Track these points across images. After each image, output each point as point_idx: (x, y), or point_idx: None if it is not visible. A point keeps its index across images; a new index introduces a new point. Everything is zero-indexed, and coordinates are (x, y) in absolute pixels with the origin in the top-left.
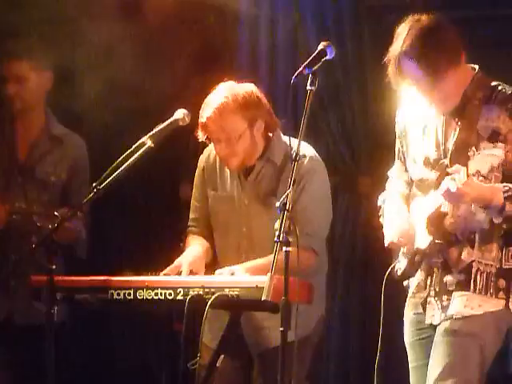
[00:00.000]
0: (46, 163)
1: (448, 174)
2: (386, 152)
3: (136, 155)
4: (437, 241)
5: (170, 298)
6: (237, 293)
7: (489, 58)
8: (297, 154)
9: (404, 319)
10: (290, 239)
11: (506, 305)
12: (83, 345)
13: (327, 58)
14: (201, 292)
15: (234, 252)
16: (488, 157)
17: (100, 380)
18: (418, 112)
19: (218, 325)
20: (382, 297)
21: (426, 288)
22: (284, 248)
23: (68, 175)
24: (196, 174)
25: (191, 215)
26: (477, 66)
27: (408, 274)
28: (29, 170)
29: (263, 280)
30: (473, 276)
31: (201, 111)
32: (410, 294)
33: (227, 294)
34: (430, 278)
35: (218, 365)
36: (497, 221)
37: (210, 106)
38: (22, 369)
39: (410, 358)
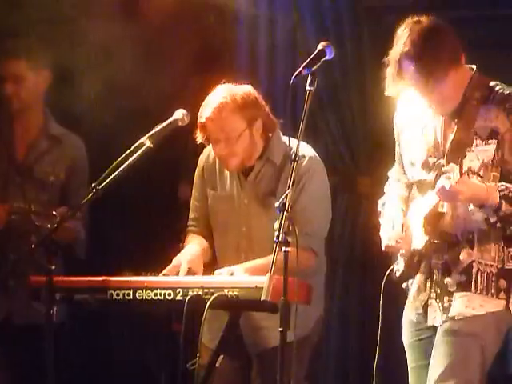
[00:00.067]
0: (44, 163)
1: (443, 173)
2: (385, 152)
3: (135, 155)
4: (433, 241)
5: (169, 298)
6: (236, 293)
7: (489, 58)
8: (296, 155)
9: (403, 320)
10: (290, 239)
11: (507, 305)
12: (82, 345)
13: (326, 58)
14: (200, 292)
15: (233, 252)
16: (480, 153)
17: (99, 380)
18: (416, 113)
19: (217, 325)
20: (381, 299)
21: (426, 290)
22: (283, 248)
23: (67, 175)
24: (196, 173)
25: (191, 215)
26: (474, 66)
27: (407, 275)
28: (27, 170)
29: (262, 280)
30: (473, 276)
31: (199, 112)
32: (410, 298)
33: (226, 295)
34: (430, 279)
35: (217, 365)
36: (492, 220)
37: (208, 106)
38: (21, 369)
39: (408, 359)
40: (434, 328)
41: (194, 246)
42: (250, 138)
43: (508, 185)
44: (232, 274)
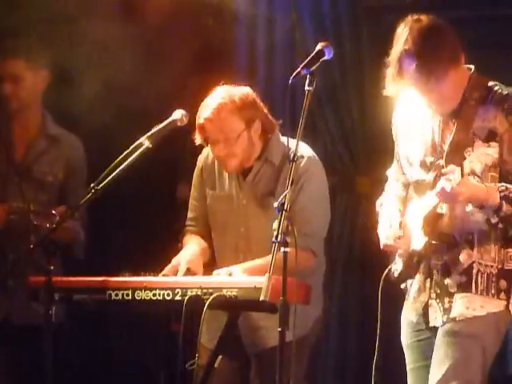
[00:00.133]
0: (42, 163)
1: (443, 174)
2: (384, 152)
3: (134, 156)
4: (432, 241)
5: (168, 298)
6: (235, 293)
7: (489, 59)
8: (295, 155)
9: (401, 321)
10: (288, 240)
11: (507, 306)
12: (81, 345)
13: (325, 58)
14: (199, 292)
15: (231, 252)
16: (482, 156)
17: (98, 380)
18: (414, 113)
19: (216, 325)
20: (379, 298)
21: (425, 291)
22: (282, 249)
23: (65, 175)
24: (195, 173)
25: (189, 214)
26: (472, 66)
27: (405, 275)
28: (26, 170)
29: (261, 280)
30: (474, 277)
31: (198, 113)
32: (410, 299)
33: (225, 295)
34: (429, 280)
35: (215, 365)
36: (493, 220)
37: (207, 107)
38: (20, 369)
39: (407, 360)
40: (434, 329)
41: (193, 247)
42: (248, 139)
43: (508, 185)
44: (231, 275)
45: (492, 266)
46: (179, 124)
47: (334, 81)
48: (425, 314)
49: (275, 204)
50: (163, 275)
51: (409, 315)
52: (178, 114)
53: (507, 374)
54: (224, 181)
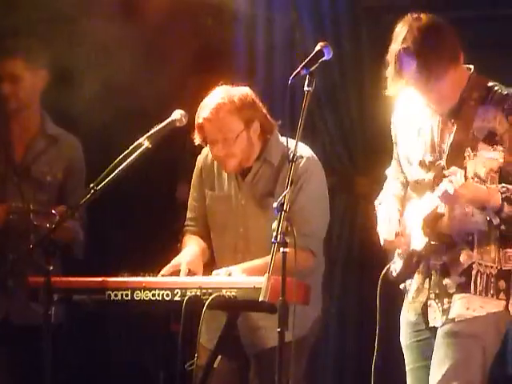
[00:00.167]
0: (41, 163)
1: (445, 176)
2: (383, 152)
3: (133, 156)
4: (432, 242)
5: (167, 298)
6: (234, 294)
7: (489, 59)
8: (294, 155)
9: (400, 321)
10: (288, 240)
11: (506, 306)
12: (80, 346)
13: (325, 58)
14: (198, 293)
15: (230, 252)
16: (487, 160)
17: (97, 381)
18: (413, 113)
19: (215, 325)
20: (378, 297)
21: (424, 291)
22: (281, 249)
23: (64, 175)
24: (194, 173)
25: (189, 214)
26: (472, 66)
27: (404, 275)
28: (25, 170)
29: (260, 281)
30: (473, 278)
31: (197, 113)
32: (409, 299)
33: (225, 295)
34: (428, 280)
35: (215, 366)
36: (495, 222)
37: (206, 107)
38: (19, 369)
39: (406, 360)
40: (433, 329)
41: (193, 247)
42: (247, 140)
43: (509, 186)
44: (230, 275)
45: (492, 267)
46: (178, 124)
47: (333, 81)
48: (424, 314)
49: (274, 204)
50: (162, 275)
51: (408, 315)
52: (178, 115)
53: (507, 373)
54: (223, 181)
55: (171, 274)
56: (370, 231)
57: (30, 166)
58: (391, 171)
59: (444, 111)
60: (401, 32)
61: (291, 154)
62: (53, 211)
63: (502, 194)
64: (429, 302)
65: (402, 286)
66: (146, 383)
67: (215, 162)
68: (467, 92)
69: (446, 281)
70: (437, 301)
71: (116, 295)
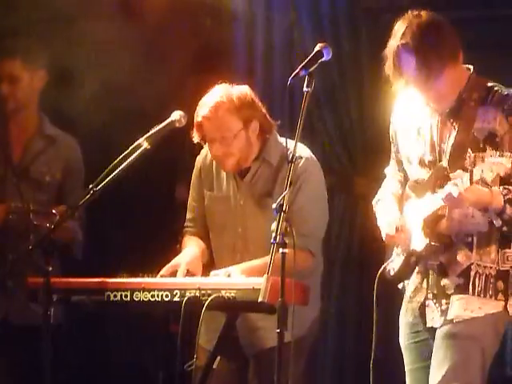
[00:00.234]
0: (39, 163)
1: (449, 178)
2: (382, 152)
3: (132, 157)
4: (433, 243)
5: (166, 299)
6: (233, 294)
7: (489, 59)
8: (293, 155)
9: (400, 322)
10: (287, 240)
11: (505, 307)
12: (80, 346)
13: (324, 59)
14: (197, 294)
15: (229, 252)
16: (494, 165)
17: (96, 381)
18: (412, 112)
19: (214, 326)
20: (375, 296)
21: (422, 291)
22: (280, 250)
23: (63, 175)
24: (193, 174)
25: (188, 215)
26: (471, 67)
27: (402, 274)
28: (23, 170)
29: (260, 282)
30: (471, 279)
31: (196, 111)
32: (407, 299)
33: (224, 296)
34: (426, 280)
35: (214, 366)
36: (497, 223)
37: (205, 106)
38: (18, 369)
39: (405, 361)
40: (431, 330)
41: (192, 248)
42: (245, 139)
43: (511, 188)
44: (229, 276)
45: (491, 268)
46: (177, 125)
47: (332, 81)
48: (422, 314)
49: (274, 205)
50: (161, 276)
51: (406, 316)
52: (177, 115)
53: (506, 374)
54: (222, 181)
55: (170, 275)
56: (369, 231)
57: (28, 166)
58: (389, 170)
59: (443, 110)
60: (400, 28)
61: (290, 155)
62: (53, 211)
63: (504, 195)
64: (427, 302)
65: (400, 286)
66: None
67: (214, 162)
68: (467, 92)
69: (444, 281)
70: (435, 301)
71: (115, 296)
